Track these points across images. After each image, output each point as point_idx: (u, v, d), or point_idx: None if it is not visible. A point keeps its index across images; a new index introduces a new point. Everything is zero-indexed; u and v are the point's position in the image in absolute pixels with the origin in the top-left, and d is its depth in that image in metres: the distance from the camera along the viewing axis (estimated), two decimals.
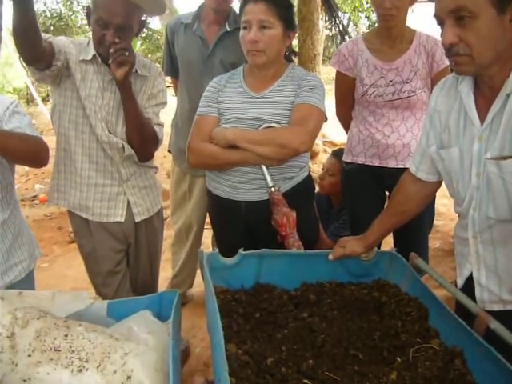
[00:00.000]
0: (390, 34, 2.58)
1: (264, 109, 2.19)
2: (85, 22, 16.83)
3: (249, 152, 2.13)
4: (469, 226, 1.66)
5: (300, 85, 2.20)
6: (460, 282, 1.77)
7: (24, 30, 1.81)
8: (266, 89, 2.24)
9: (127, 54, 2.04)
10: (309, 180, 2.35)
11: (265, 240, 2.03)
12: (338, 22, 10.69)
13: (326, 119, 2.23)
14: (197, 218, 3.21)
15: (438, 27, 1.49)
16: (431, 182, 1.85)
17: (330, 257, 1.94)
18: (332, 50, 16.87)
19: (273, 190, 2.14)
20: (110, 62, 2.06)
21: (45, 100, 11.47)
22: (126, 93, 2.15)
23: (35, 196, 6.61)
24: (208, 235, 3.73)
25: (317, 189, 2.97)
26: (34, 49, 1.92)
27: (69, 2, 15.74)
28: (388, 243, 2.73)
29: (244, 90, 2.26)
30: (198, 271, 3.40)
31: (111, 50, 2.05)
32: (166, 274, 3.56)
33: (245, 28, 2.16)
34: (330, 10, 10.04)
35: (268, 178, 2.15)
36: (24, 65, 9.64)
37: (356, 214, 2.86)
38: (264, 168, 2.15)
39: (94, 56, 2.19)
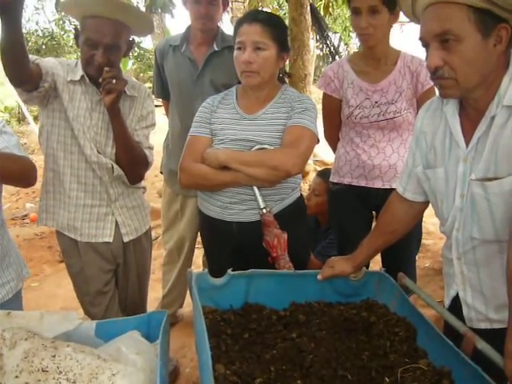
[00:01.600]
0: (374, 55, 2.60)
1: (256, 130, 2.20)
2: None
3: (240, 173, 2.13)
4: (453, 248, 1.68)
5: (293, 107, 2.21)
6: (447, 302, 1.78)
7: (12, 51, 1.82)
8: (258, 110, 2.25)
9: (114, 81, 2.07)
10: (301, 200, 2.36)
11: (255, 261, 2.03)
12: (328, 42, 10.79)
13: (318, 141, 2.25)
14: (188, 238, 3.21)
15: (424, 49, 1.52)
16: (418, 203, 1.86)
17: (319, 277, 1.94)
18: (323, 69, 17.04)
19: (264, 211, 2.14)
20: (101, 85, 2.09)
21: (36, 119, 11.43)
22: (115, 118, 2.17)
23: (26, 215, 6.58)
24: (199, 255, 3.72)
25: None
26: (21, 70, 1.93)
27: (61, 22, 15.81)
28: (377, 262, 2.75)
29: (237, 111, 2.27)
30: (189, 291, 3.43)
31: (100, 79, 2.09)
32: (155, 294, 3.55)
33: (239, 49, 2.17)
34: (321, 30, 10.14)
35: (259, 199, 2.15)
36: None
37: (343, 234, 2.86)
38: (256, 189, 2.16)
39: (82, 77, 2.20)
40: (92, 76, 2.16)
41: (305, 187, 5.94)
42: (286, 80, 2.47)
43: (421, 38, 1.49)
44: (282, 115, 2.21)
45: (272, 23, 2.18)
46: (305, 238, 2.42)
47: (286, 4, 14.34)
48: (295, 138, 2.14)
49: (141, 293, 2.55)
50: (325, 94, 2.78)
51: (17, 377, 1.44)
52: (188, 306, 3.58)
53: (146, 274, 2.58)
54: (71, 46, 15.98)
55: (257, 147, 2.17)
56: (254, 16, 2.21)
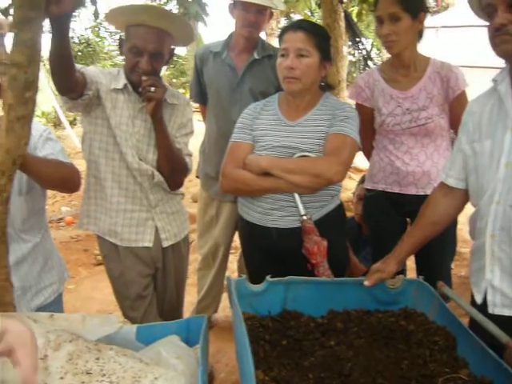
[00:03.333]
0: (402, 63, 2.60)
1: (298, 137, 2.22)
2: (112, 48, 17.25)
3: (282, 180, 2.16)
4: (488, 224, 1.68)
5: (334, 114, 2.23)
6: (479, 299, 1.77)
7: (60, 61, 1.87)
8: (300, 117, 2.27)
9: (153, 89, 2.11)
10: (340, 208, 2.36)
11: (294, 267, 2.04)
12: (361, 48, 10.75)
13: (359, 149, 2.25)
14: (223, 243, 3.23)
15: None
16: (459, 192, 1.88)
17: (366, 283, 1.92)
18: (355, 75, 16.97)
19: (305, 218, 2.16)
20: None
21: (72, 124, 11.68)
22: (157, 125, 2.22)
23: (62, 218, 6.70)
24: (233, 260, 3.75)
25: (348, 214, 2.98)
26: (68, 79, 1.98)
27: (96, 29, 16.10)
28: (412, 270, 2.74)
29: (278, 118, 2.30)
30: (224, 296, 3.45)
31: (140, 89, 2.14)
32: (190, 298, 3.58)
33: (282, 55, 2.21)
34: (354, 36, 10.12)
35: (300, 205, 2.17)
36: (54, 90, 9.85)
37: (378, 240, 2.86)
38: (296, 196, 2.17)
39: (125, 85, 2.24)
40: (135, 83, 2.21)
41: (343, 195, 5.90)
42: None
43: (488, 3, 1.57)
44: (324, 122, 2.23)
45: (316, 32, 2.22)
46: (344, 245, 2.42)
47: (318, 10, 14.35)
48: (337, 146, 2.16)
49: (178, 297, 2.57)
50: (357, 104, 2.78)
51: (62, 378, 1.46)
52: (222, 311, 3.61)
53: (184, 279, 2.61)
54: (106, 53, 16.28)
55: (298, 154, 2.19)
56: (299, 24, 2.25)
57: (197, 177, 3.43)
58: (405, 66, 2.61)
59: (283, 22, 15.77)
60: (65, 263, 2.35)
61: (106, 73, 2.28)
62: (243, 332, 1.50)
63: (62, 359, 1.50)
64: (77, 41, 15.87)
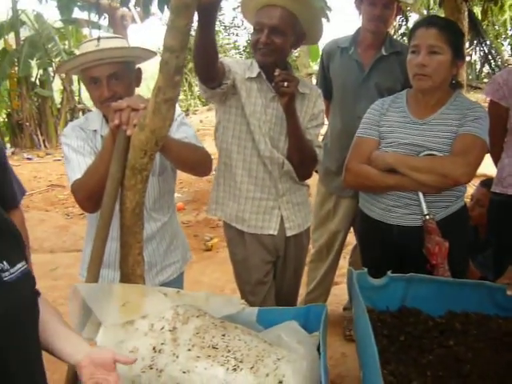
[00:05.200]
0: None
1: (426, 136, 2.19)
2: (225, 41, 17.78)
3: (407, 178, 2.15)
4: None
5: (465, 114, 2.18)
6: None
7: (205, 51, 1.97)
8: (429, 115, 2.24)
9: (286, 84, 2.13)
10: (464, 210, 2.31)
11: (411, 266, 2.04)
12: (483, 47, 10.35)
13: (488, 151, 2.20)
14: (339, 238, 3.25)
15: None
16: None
17: (510, 292, 1.90)
18: (471, 77, 16.32)
19: (427, 217, 2.13)
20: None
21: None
22: (290, 117, 2.25)
23: None
24: (345, 255, 3.76)
25: None
26: (211, 68, 2.07)
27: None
28: None
29: (407, 115, 2.28)
30: (333, 289, 3.48)
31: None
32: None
33: (413, 52, 2.18)
34: (478, 35, 9.76)
35: (424, 205, 2.15)
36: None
37: (502, 247, 2.76)
38: (421, 195, 2.15)
39: (258, 73, 2.30)
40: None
41: None
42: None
43: None
44: (453, 122, 2.18)
45: (449, 28, 2.17)
46: (465, 248, 2.37)
47: (436, 8, 13.88)
48: (466, 147, 2.12)
49: (295, 286, 2.62)
50: (491, 101, 2.70)
51: (189, 350, 1.57)
52: (330, 305, 3.63)
53: (302, 269, 2.66)
54: (221, 46, 16.70)
55: (425, 153, 2.17)
56: (431, 20, 2.22)
57: (315, 171, 3.45)
58: None
59: (398, 20, 15.37)
60: (188, 244, 2.46)
61: (241, 62, 2.36)
62: (366, 323, 1.53)
63: (190, 332, 1.62)
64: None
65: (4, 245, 1.25)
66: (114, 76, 1.92)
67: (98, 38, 1.93)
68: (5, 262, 1.22)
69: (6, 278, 1.20)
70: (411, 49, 2.18)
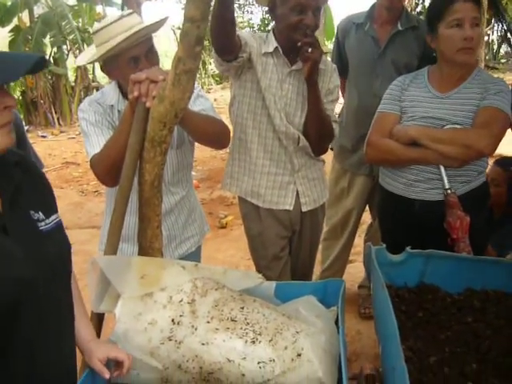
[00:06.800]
0: None
1: (448, 109, 2.17)
2: (239, 20, 17.63)
3: (430, 150, 2.12)
4: None
5: (487, 88, 2.15)
6: None
7: (224, 22, 1.95)
8: (451, 90, 2.21)
9: (310, 50, 2.10)
10: (485, 186, 2.29)
11: (432, 241, 2.03)
12: (503, 25, 10.17)
13: (510, 125, 2.17)
14: (354, 215, 3.23)
15: None
16: None
17: None
18: (487, 57, 16.11)
19: (449, 191, 2.11)
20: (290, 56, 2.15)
21: None
22: (311, 89, 2.22)
23: None
24: (361, 233, 3.75)
25: None
26: (229, 40, 2.05)
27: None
28: None
29: (429, 90, 2.25)
30: (347, 267, 3.48)
31: (298, 45, 2.12)
32: None
33: (456, 26, 2.12)
34: (498, 13, 9.58)
35: (445, 179, 2.12)
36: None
37: None
38: (442, 168, 2.13)
39: (275, 48, 2.28)
40: (296, 41, 2.16)
41: None
42: None
43: None
44: (476, 95, 2.16)
45: (480, 1, 2.16)
46: (484, 225, 2.35)
47: None
48: (488, 120, 2.09)
49: (310, 262, 2.62)
50: None
51: (208, 322, 1.57)
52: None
53: (317, 244, 2.66)
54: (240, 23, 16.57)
55: (448, 126, 2.14)
56: None
57: (330, 149, 3.42)
58: None
59: None
60: (205, 217, 2.47)
61: (257, 37, 2.33)
62: (386, 298, 1.53)
63: (209, 305, 1.62)
64: None
65: (40, 197, 1.34)
66: (149, 51, 1.97)
67: (120, 18, 1.95)
68: (40, 213, 1.29)
69: (41, 228, 1.27)
70: (452, 22, 2.11)
